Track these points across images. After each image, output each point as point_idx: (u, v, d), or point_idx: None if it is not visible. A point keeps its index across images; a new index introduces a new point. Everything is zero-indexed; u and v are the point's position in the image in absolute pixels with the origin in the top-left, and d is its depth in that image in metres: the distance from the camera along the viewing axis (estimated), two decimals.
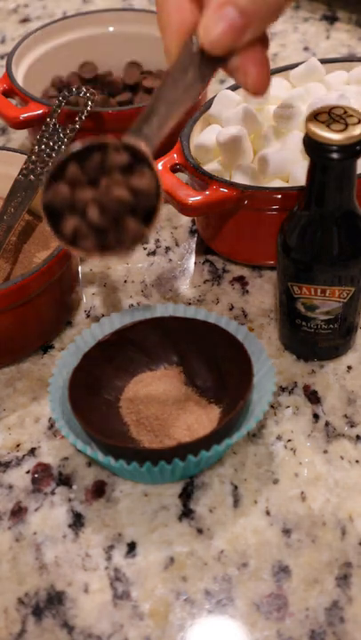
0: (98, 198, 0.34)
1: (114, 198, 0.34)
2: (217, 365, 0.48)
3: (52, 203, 0.34)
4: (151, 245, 0.61)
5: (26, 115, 0.62)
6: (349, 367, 0.51)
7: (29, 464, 0.46)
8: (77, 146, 0.34)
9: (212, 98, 0.59)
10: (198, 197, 0.51)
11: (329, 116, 0.40)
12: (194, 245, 0.61)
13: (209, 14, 0.33)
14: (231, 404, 0.46)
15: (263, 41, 0.36)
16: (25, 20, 0.95)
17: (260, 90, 0.36)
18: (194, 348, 0.48)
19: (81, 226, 0.34)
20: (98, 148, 0.34)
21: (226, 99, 0.58)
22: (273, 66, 0.62)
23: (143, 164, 0.34)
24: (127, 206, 0.34)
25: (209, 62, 0.34)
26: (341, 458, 0.46)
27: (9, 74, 0.66)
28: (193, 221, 0.63)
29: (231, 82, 0.79)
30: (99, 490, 0.45)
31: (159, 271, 0.59)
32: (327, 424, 0.47)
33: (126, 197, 0.34)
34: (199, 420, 0.46)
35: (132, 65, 0.75)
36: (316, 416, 0.48)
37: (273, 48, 0.85)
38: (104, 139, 0.34)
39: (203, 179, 0.53)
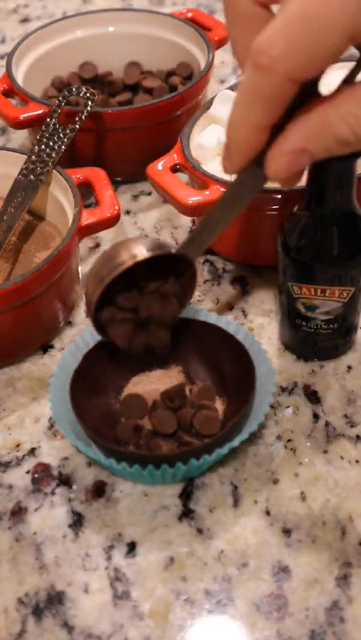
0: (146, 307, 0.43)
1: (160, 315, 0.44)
2: (217, 366, 0.48)
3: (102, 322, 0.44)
4: None
5: (26, 115, 0.62)
6: (349, 367, 0.51)
7: (29, 464, 0.46)
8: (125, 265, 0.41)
9: (213, 98, 0.59)
10: (198, 197, 0.51)
11: None
12: None
13: (282, 153, 0.32)
14: (232, 406, 0.45)
15: None
16: (25, 20, 0.95)
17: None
18: (194, 348, 0.48)
19: (126, 329, 0.44)
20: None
21: (226, 98, 0.58)
22: None
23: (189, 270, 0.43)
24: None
25: (264, 177, 0.35)
26: (341, 458, 0.46)
27: (9, 74, 0.66)
28: (193, 221, 0.63)
29: (232, 82, 0.79)
30: (99, 490, 0.45)
31: None
32: (327, 424, 0.47)
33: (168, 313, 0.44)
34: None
35: (132, 65, 0.75)
36: (316, 416, 0.48)
37: None
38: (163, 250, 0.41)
39: (203, 179, 0.53)
